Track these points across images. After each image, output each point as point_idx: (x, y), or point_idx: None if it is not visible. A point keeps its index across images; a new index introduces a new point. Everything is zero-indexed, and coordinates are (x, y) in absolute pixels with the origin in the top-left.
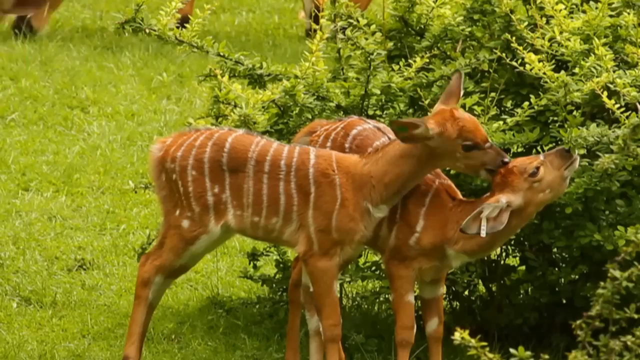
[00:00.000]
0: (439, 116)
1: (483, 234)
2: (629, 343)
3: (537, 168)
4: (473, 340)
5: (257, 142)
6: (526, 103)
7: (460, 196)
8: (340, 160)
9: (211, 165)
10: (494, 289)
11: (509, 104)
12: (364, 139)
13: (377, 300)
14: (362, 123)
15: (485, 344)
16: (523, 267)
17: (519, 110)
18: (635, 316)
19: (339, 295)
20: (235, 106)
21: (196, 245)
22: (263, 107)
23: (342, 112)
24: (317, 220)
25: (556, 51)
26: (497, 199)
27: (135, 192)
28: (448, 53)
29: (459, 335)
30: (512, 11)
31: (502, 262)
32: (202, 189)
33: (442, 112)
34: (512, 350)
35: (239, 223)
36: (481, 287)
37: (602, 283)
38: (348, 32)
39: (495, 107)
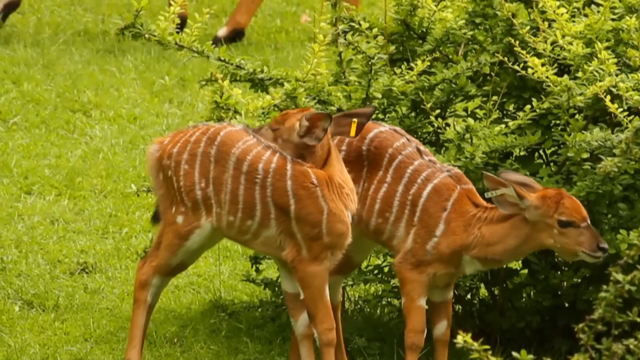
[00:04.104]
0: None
1: (488, 194)
2: (631, 346)
3: (570, 224)
4: (475, 344)
5: (245, 140)
6: (528, 106)
7: (482, 201)
8: (317, 173)
9: (202, 159)
10: (496, 292)
11: (511, 107)
12: (382, 140)
13: (380, 303)
14: (377, 126)
15: (487, 347)
16: (525, 271)
17: (520, 113)
18: (638, 319)
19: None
20: (235, 112)
21: (190, 241)
22: (263, 113)
23: None
24: (304, 230)
25: (558, 55)
26: (529, 197)
27: (138, 195)
28: (450, 56)
29: (462, 338)
30: (513, 15)
31: (504, 265)
32: (192, 182)
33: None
34: (514, 354)
35: (218, 221)
36: (483, 291)
37: (604, 286)
38: (349, 36)
39: (497, 111)
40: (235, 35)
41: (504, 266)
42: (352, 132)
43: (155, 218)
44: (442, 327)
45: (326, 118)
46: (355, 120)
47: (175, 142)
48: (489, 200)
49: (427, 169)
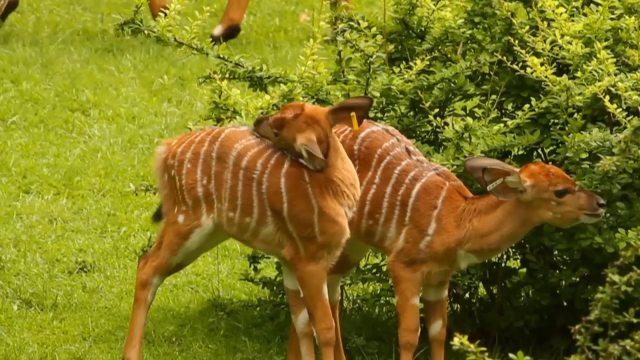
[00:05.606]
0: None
1: (490, 187)
2: (628, 347)
3: (567, 191)
4: (472, 345)
5: (248, 139)
6: (527, 105)
7: (470, 195)
8: (311, 173)
9: (205, 157)
10: (494, 291)
11: (509, 107)
12: (372, 140)
13: (378, 302)
14: (370, 125)
15: (484, 349)
16: (524, 270)
17: (519, 112)
18: (635, 320)
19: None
20: (234, 112)
21: (190, 240)
22: (262, 113)
23: None
24: (298, 229)
25: (557, 54)
26: (524, 181)
27: (136, 194)
28: (449, 56)
29: (458, 340)
30: (512, 14)
31: (502, 264)
32: (193, 180)
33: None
34: (511, 356)
35: (219, 217)
36: (482, 290)
37: (600, 287)
38: (347, 34)
39: (495, 110)
40: (231, 32)
41: (503, 265)
42: (355, 126)
43: (156, 217)
44: (437, 327)
45: (320, 162)
46: (353, 114)
47: (180, 142)
48: (484, 193)
49: (414, 169)
